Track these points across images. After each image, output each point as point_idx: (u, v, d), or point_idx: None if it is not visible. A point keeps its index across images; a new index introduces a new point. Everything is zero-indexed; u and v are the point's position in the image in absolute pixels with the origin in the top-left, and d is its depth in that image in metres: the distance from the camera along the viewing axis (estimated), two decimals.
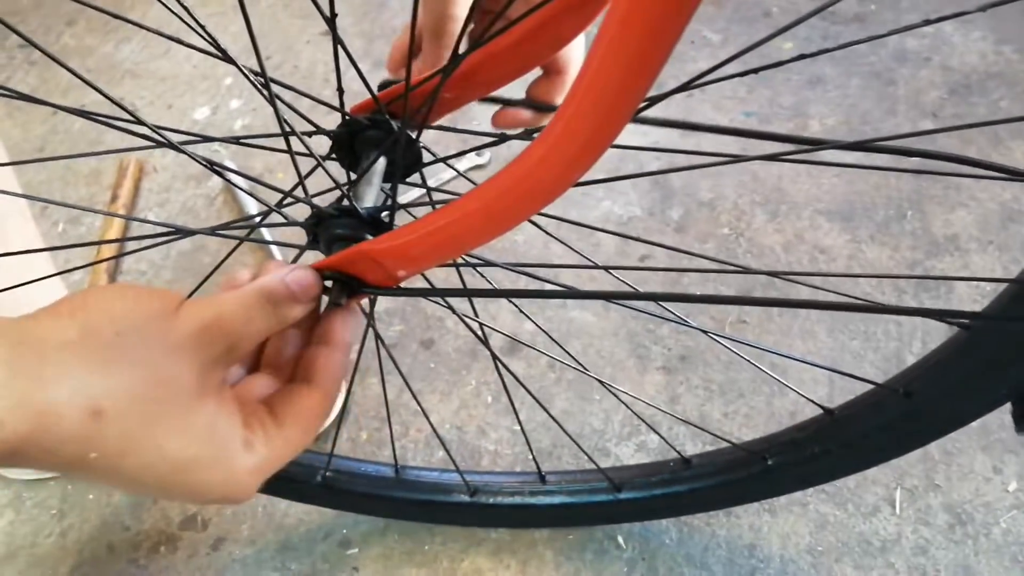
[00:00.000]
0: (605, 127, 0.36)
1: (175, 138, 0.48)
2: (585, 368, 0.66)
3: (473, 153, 1.17)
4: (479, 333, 0.64)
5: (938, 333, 0.93)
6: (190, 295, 0.60)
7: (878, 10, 1.31)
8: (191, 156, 0.48)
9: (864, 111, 1.18)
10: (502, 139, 0.50)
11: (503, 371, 0.68)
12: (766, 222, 1.07)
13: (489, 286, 0.59)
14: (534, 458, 0.76)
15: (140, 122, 0.47)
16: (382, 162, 0.50)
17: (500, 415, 0.92)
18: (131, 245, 1.05)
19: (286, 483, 0.76)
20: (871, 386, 0.59)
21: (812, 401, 0.62)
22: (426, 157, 0.51)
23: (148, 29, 0.45)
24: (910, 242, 1.02)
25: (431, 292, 0.50)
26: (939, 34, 1.26)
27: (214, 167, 0.48)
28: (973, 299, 0.96)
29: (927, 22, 0.38)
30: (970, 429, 0.86)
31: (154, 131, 0.46)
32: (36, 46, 0.40)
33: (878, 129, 1.14)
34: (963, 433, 0.86)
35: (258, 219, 0.56)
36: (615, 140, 0.37)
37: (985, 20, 1.27)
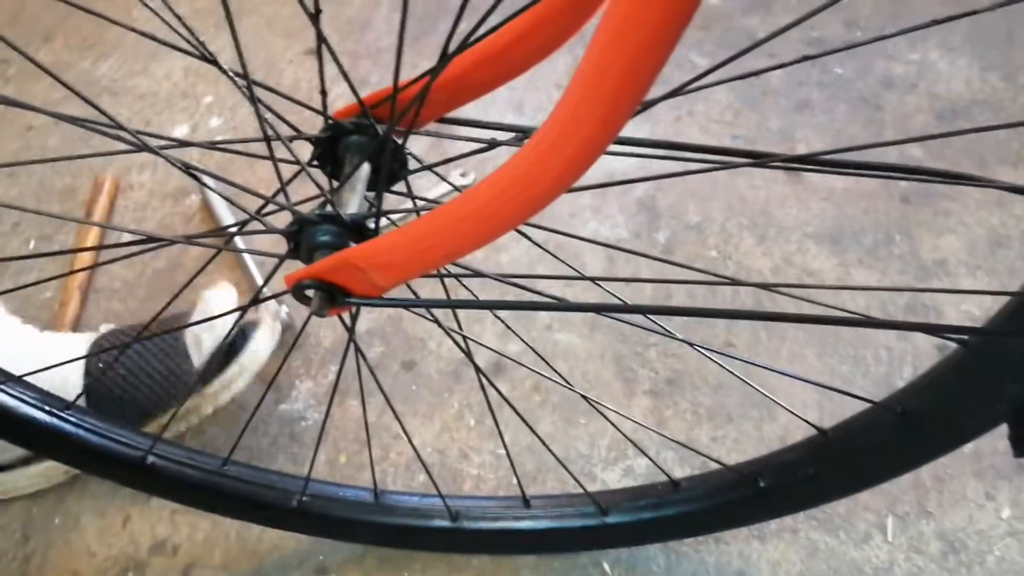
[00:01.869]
0: (602, 131, 0.34)
1: (154, 143, 0.46)
2: (570, 384, 0.65)
3: (460, 159, 1.16)
4: (463, 347, 0.63)
5: (928, 357, 0.92)
6: (163, 308, 0.58)
7: (864, 36, 1.31)
8: (168, 160, 0.46)
9: (851, 135, 1.17)
10: (492, 145, 0.49)
11: (488, 389, 0.66)
12: (754, 245, 1.05)
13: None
14: (518, 481, 0.74)
15: (119, 126, 0.45)
16: (366, 168, 0.48)
17: (483, 438, 0.89)
18: (104, 258, 1.03)
19: (260, 508, 0.74)
20: (862, 407, 0.57)
21: (806, 421, 0.61)
22: (412, 164, 0.49)
23: (134, 30, 0.44)
24: (898, 266, 1.02)
25: (415, 303, 0.48)
26: (925, 61, 1.26)
27: (190, 170, 0.46)
28: (962, 323, 0.95)
29: (896, 33, 0.37)
30: (962, 455, 0.84)
31: (133, 135, 0.44)
32: (17, 49, 0.38)
33: (866, 153, 1.13)
34: (955, 459, 0.84)
35: (237, 227, 0.54)
36: (609, 146, 0.35)
37: (971, 48, 1.27)
